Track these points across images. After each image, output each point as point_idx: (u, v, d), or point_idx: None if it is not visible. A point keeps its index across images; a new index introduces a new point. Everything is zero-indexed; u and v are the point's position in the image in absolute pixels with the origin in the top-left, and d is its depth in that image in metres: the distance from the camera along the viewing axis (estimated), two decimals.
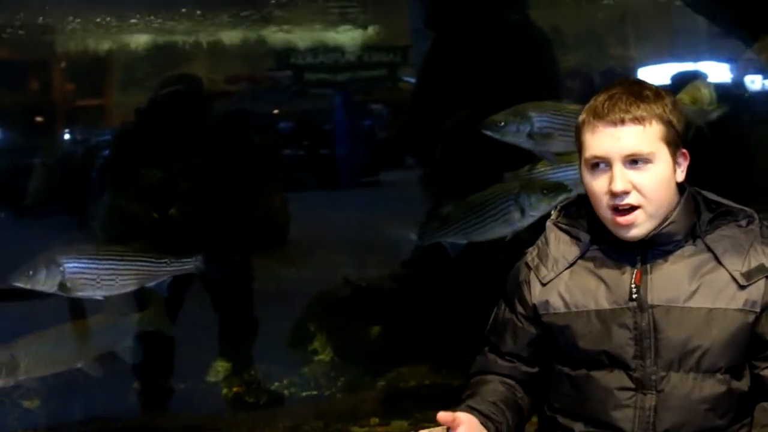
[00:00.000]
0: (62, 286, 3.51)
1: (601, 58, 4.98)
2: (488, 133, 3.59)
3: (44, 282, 3.49)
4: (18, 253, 3.93)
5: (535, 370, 2.27)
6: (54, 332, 3.85)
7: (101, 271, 3.58)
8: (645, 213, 2.06)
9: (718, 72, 4.79)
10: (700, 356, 2.05)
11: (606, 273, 2.14)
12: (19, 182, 4.71)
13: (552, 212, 2.30)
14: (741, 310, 2.04)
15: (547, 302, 2.19)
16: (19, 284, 3.50)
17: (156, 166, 4.12)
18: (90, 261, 3.58)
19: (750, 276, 2.04)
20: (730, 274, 2.05)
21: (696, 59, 4.83)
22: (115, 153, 4.48)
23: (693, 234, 2.11)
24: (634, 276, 2.11)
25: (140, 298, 3.88)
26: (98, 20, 4.73)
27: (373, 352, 4.47)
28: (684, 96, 3.80)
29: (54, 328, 3.85)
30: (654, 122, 2.04)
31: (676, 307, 2.06)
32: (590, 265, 2.16)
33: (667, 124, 2.05)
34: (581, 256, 2.18)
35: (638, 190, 2.05)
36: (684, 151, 2.10)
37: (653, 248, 2.11)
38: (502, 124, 3.57)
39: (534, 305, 2.21)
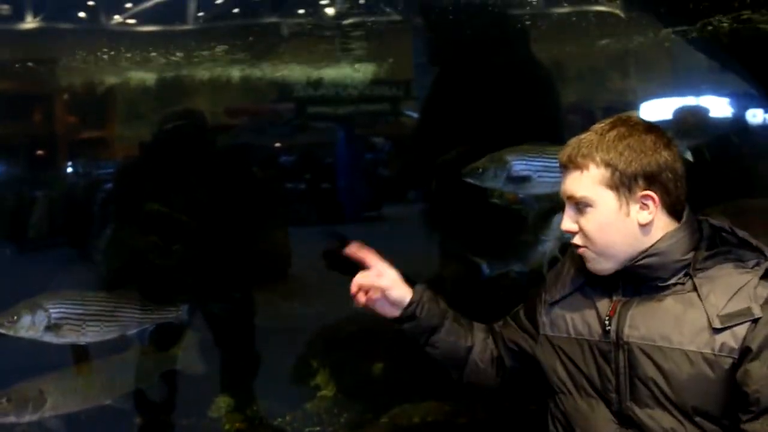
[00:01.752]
0: (47, 332, 3.46)
1: (602, 94, 4.99)
2: (470, 180, 3.70)
3: (29, 328, 3.42)
4: (21, 286, 3.92)
5: (509, 365, 2.43)
6: (83, 368, 3.83)
7: (87, 317, 3.55)
8: (591, 252, 2.14)
9: (717, 106, 4.81)
10: (671, 396, 2.05)
11: (599, 302, 2.20)
12: (22, 215, 4.72)
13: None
14: (716, 355, 2.02)
15: (551, 323, 2.28)
16: (1, 330, 3.42)
17: (159, 200, 4.13)
18: (76, 306, 3.54)
19: (729, 319, 2.02)
20: (708, 316, 2.04)
21: (696, 94, 4.85)
22: (119, 186, 4.49)
23: (686, 272, 2.12)
24: (607, 308, 2.16)
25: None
26: (100, 54, 4.74)
27: (377, 388, 4.45)
28: None
29: (83, 364, 3.83)
30: (593, 167, 2.10)
31: (650, 345, 2.08)
32: (592, 293, 2.22)
33: (611, 168, 2.08)
34: (586, 283, 2.24)
35: (582, 232, 2.14)
36: (648, 193, 2.09)
37: (641, 283, 2.14)
38: (481, 170, 3.68)
39: (540, 323, 2.32)
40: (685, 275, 2.11)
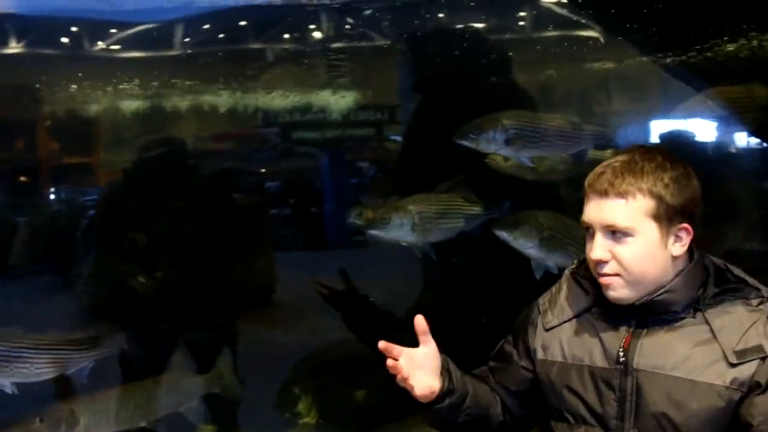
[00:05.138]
0: None
1: (588, 117, 4.99)
2: (374, 231, 3.85)
3: None
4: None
5: (517, 403, 2.35)
6: (118, 390, 3.86)
7: (12, 359, 3.53)
8: (623, 281, 2.11)
9: (704, 129, 4.82)
10: (679, 426, 2.05)
11: (604, 331, 2.18)
12: (4, 241, 4.69)
13: (574, 262, 2.36)
14: (727, 388, 2.03)
15: (546, 348, 2.26)
16: None
17: (142, 228, 4.12)
18: (2, 348, 3.52)
19: (743, 355, 2.03)
20: (723, 350, 2.05)
21: (682, 117, 4.86)
22: (101, 214, 4.47)
23: (695, 306, 2.12)
24: (623, 339, 2.13)
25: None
26: (84, 80, 4.75)
27: (359, 415, 4.42)
28: None
29: (118, 387, 3.86)
30: (639, 197, 2.07)
31: (660, 374, 2.08)
32: (593, 320, 2.21)
33: (657, 199, 2.07)
34: (586, 310, 2.23)
35: (617, 260, 2.10)
36: (685, 225, 2.10)
37: (651, 315, 2.13)
38: (387, 220, 3.81)
39: (534, 348, 2.28)
40: (695, 309, 2.12)
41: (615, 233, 2.09)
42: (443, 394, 2.22)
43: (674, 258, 2.10)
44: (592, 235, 2.13)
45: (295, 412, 4.41)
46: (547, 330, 2.27)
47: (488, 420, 2.35)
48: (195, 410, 4.02)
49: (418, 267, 4.51)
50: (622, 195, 2.08)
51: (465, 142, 3.71)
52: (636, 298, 2.12)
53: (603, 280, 2.14)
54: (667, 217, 2.08)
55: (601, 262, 2.11)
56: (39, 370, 3.59)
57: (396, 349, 2.17)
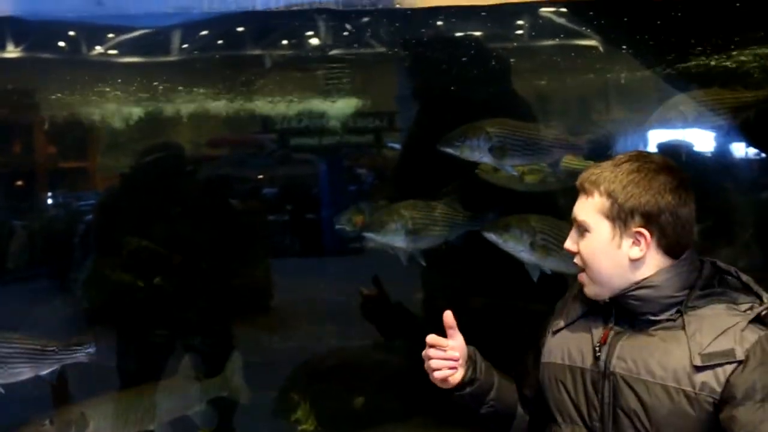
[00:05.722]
0: None
1: (585, 126, 5.00)
2: (371, 234, 3.96)
3: None
4: None
5: (534, 406, 2.39)
6: (127, 394, 3.87)
7: None
8: (588, 276, 2.20)
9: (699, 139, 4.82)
10: (651, 430, 2.07)
11: (595, 332, 2.22)
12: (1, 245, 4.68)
13: None
14: (696, 393, 2.03)
15: (550, 351, 2.31)
16: None
17: (139, 234, 4.11)
18: None
19: (709, 358, 2.03)
20: (690, 353, 2.05)
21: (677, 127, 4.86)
22: (98, 219, 4.47)
23: (679, 309, 2.13)
24: (600, 337, 2.18)
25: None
26: (81, 84, 4.73)
27: (357, 421, 4.42)
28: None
29: (128, 390, 3.87)
30: (596, 195, 2.16)
31: (634, 377, 2.10)
32: (590, 323, 2.25)
33: (612, 199, 2.13)
34: (586, 312, 2.28)
35: (580, 254, 2.21)
36: (640, 230, 2.12)
37: (633, 316, 2.16)
38: (383, 225, 3.93)
39: (542, 352, 2.34)
40: (677, 312, 2.13)
41: (580, 227, 2.20)
42: (464, 383, 2.28)
43: (633, 260, 2.13)
44: None
45: (293, 418, 4.41)
46: (554, 333, 2.32)
47: (514, 417, 2.41)
48: (202, 414, 4.04)
49: (416, 273, 4.51)
50: (586, 192, 2.19)
51: (449, 150, 3.74)
52: (609, 295, 2.17)
53: (578, 277, 2.23)
54: (619, 217, 2.13)
55: (570, 253, 2.23)
56: (13, 370, 3.53)
57: (441, 342, 2.25)
